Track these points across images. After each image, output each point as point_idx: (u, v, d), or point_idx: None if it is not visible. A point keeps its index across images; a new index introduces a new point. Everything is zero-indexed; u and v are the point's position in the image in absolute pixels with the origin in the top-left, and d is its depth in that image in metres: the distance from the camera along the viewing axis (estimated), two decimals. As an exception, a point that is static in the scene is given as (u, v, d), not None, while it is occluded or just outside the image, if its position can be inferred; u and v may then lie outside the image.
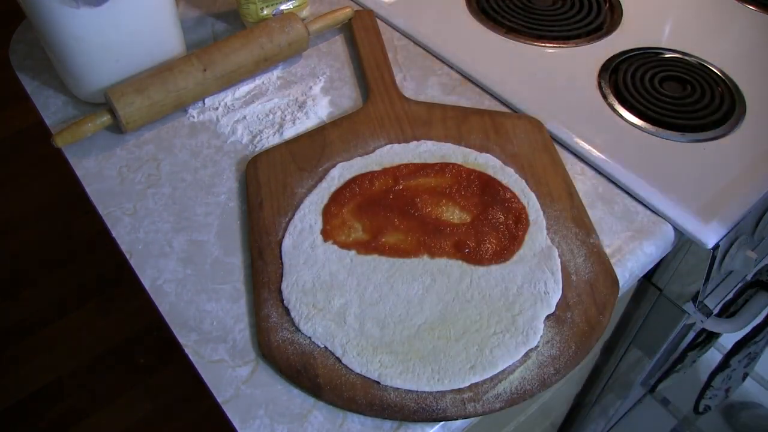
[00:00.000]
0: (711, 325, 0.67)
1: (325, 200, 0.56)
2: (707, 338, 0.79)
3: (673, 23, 0.76)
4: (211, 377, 0.47)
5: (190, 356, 0.48)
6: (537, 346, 0.47)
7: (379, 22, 0.75)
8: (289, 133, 0.64)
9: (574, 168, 0.60)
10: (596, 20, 0.75)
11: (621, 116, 0.64)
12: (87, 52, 0.61)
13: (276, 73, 0.70)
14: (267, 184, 0.57)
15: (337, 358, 0.46)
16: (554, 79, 0.68)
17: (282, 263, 0.52)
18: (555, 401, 0.86)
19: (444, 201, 0.55)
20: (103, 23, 0.60)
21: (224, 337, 0.49)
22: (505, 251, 0.52)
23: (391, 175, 0.57)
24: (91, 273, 1.61)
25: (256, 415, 0.45)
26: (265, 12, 0.72)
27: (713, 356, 0.90)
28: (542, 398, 0.76)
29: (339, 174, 0.57)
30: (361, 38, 0.72)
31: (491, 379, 0.45)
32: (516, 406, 0.45)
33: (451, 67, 0.70)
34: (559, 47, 0.72)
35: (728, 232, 0.56)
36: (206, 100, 0.67)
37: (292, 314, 0.49)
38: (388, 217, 0.54)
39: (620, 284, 0.51)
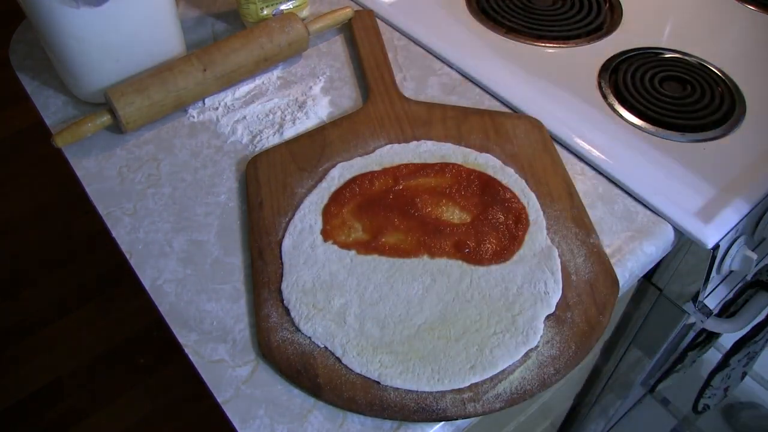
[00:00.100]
0: (711, 325, 0.67)
1: (325, 200, 0.56)
2: (707, 338, 0.79)
3: (673, 23, 0.76)
4: (211, 377, 0.47)
5: (190, 356, 0.48)
6: (537, 346, 0.47)
7: (379, 22, 0.75)
8: (289, 133, 0.64)
9: (574, 168, 0.60)
10: (596, 20, 0.75)
11: (621, 116, 0.64)
12: (87, 52, 0.61)
13: (276, 73, 0.70)
14: (267, 184, 0.57)
15: (337, 358, 0.46)
16: (554, 79, 0.68)
17: (282, 263, 0.52)
18: (555, 401, 0.86)
19: (444, 201, 0.55)
20: (103, 23, 0.60)
21: (224, 337, 0.49)
22: (505, 251, 0.52)
23: (391, 175, 0.57)
24: (91, 273, 1.61)
25: (256, 415, 0.45)
26: (265, 12, 0.72)
27: (713, 356, 0.90)
28: (542, 398, 0.76)
29: (339, 174, 0.57)
30: (361, 38, 0.72)
31: (491, 379, 0.45)
32: (516, 406, 0.45)
33: (451, 67, 0.70)
34: (559, 47, 0.72)
35: (728, 232, 0.56)
36: (206, 100, 0.67)
37: (292, 314, 0.49)
38: (388, 217, 0.54)
39: (620, 284, 0.51)
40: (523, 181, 0.57)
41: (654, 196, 0.57)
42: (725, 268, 0.60)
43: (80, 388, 1.42)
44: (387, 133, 0.61)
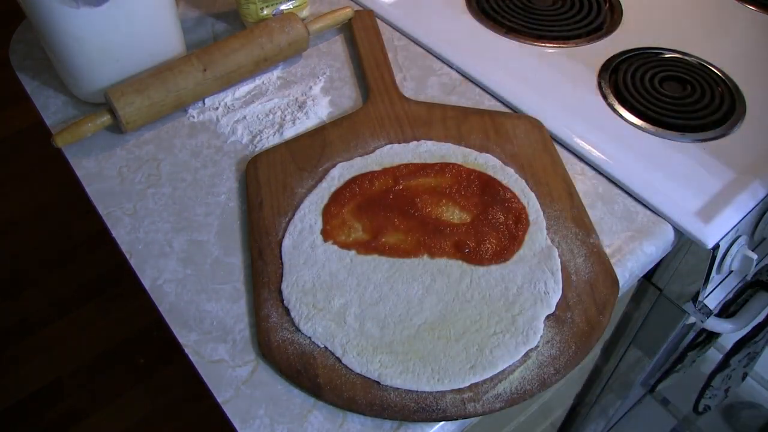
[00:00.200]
0: (711, 325, 0.67)
1: (325, 200, 0.56)
2: (707, 338, 0.79)
3: (673, 23, 0.76)
4: (211, 377, 0.47)
5: (190, 356, 0.48)
6: (537, 346, 0.47)
7: (379, 22, 0.75)
8: (289, 133, 0.64)
9: (574, 168, 0.60)
10: (596, 20, 0.75)
11: (621, 116, 0.64)
12: (87, 52, 0.61)
13: (276, 73, 0.70)
14: (267, 184, 0.57)
15: (337, 358, 0.46)
16: (554, 79, 0.68)
17: (282, 263, 0.52)
18: (555, 401, 0.86)
19: (444, 201, 0.55)
20: (103, 23, 0.60)
21: (224, 337, 0.49)
22: (505, 251, 0.52)
23: (391, 175, 0.57)
24: (91, 273, 1.61)
25: (256, 415, 0.45)
26: (265, 12, 0.72)
27: (713, 356, 0.90)
28: (542, 398, 0.76)
29: (339, 174, 0.57)
30: (361, 38, 0.72)
31: (491, 379, 0.45)
32: (516, 406, 0.45)
33: (451, 67, 0.70)
34: (559, 47, 0.72)
35: (728, 232, 0.56)
36: (206, 100, 0.67)
37: (292, 314, 0.49)
38: (388, 217, 0.54)
39: (620, 284, 0.51)
40: (523, 181, 0.57)
41: (654, 196, 0.57)
42: (725, 268, 0.60)
43: (80, 388, 1.42)
44: (387, 133, 0.61)
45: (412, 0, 0.79)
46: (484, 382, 0.45)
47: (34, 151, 1.87)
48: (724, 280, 0.65)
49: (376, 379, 0.45)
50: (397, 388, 0.45)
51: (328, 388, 0.45)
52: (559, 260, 0.51)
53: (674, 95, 0.66)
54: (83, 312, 1.54)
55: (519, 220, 0.54)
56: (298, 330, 0.48)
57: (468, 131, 0.61)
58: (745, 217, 0.56)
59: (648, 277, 0.65)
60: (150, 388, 1.41)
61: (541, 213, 0.54)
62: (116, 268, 1.57)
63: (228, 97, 0.67)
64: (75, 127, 0.60)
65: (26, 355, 1.47)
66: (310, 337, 0.47)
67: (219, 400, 0.46)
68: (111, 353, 1.47)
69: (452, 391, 0.45)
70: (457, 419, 0.44)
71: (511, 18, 0.75)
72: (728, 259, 0.59)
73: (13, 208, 1.76)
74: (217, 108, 0.66)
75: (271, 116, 0.65)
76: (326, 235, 0.53)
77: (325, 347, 0.47)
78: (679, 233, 0.56)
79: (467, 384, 0.45)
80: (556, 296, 0.49)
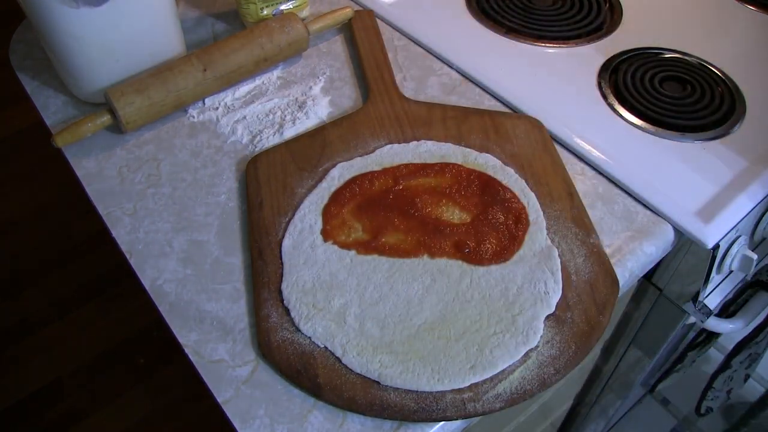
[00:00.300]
0: (711, 325, 0.67)
1: (325, 200, 0.56)
2: (707, 338, 0.79)
3: (673, 23, 0.76)
4: (211, 377, 0.47)
5: (190, 356, 0.48)
6: (537, 346, 0.47)
7: (379, 22, 0.75)
8: (289, 133, 0.64)
9: (574, 168, 0.60)
10: (596, 20, 0.75)
11: (621, 116, 0.64)
12: (87, 52, 0.61)
13: (276, 73, 0.70)
14: (267, 184, 0.57)
15: (337, 358, 0.46)
16: (554, 79, 0.68)
17: (282, 263, 0.52)
18: (555, 401, 0.86)
19: (444, 201, 0.55)
20: (103, 23, 0.60)
21: (224, 337, 0.49)
22: (505, 251, 0.52)
23: (391, 175, 0.57)
24: (91, 273, 1.61)
25: (256, 415, 0.45)
26: (265, 12, 0.72)
27: (714, 356, 0.90)
28: (542, 398, 0.76)
29: (339, 174, 0.57)
30: (361, 38, 0.72)
31: (491, 379, 0.45)
32: (516, 406, 0.45)
33: (451, 67, 0.70)
34: (559, 47, 0.72)
35: (728, 232, 0.56)
36: (206, 100, 0.67)
37: (292, 314, 0.49)
38: (388, 217, 0.54)
39: (620, 284, 0.51)
40: (523, 181, 0.57)
41: (654, 196, 0.57)
42: (725, 268, 0.60)
43: (80, 388, 1.42)
44: (387, 133, 0.61)
45: (412, 0, 0.79)
46: (484, 382, 0.45)
47: (34, 151, 1.87)
48: (724, 280, 0.65)
49: (376, 379, 0.45)
50: (397, 388, 0.45)
51: (328, 388, 0.45)
52: (559, 260, 0.51)
53: (674, 95, 0.66)
54: (83, 312, 1.54)
55: (519, 220, 0.54)
56: (298, 330, 0.48)
57: (468, 131, 0.61)
58: (745, 217, 0.56)
59: (648, 277, 0.65)
60: (150, 388, 1.41)
61: (541, 213, 0.54)
62: (116, 268, 1.57)
63: (228, 97, 0.67)
64: (75, 127, 0.60)
65: (26, 355, 1.47)
66: (310, 337, 0.47)
67: (219, 400, 0.46)
68: (111, 353, 1.47)
69: (452, 391, 0.45)
70: (457, 419, 0.44)
71: (511, 18, 0.75)
72: (728, 259, 0.59)
73: (13, 208, 1.76)
74: (217, 108, 0.66)
75: (271, 116, 0.65)
76: (326, 235, 0.53)
77: (325, 347, 0.47)
78: (679, 233, 0.56)
79: (467, 384, 0.45)
80: (556, 296, 0.49)
